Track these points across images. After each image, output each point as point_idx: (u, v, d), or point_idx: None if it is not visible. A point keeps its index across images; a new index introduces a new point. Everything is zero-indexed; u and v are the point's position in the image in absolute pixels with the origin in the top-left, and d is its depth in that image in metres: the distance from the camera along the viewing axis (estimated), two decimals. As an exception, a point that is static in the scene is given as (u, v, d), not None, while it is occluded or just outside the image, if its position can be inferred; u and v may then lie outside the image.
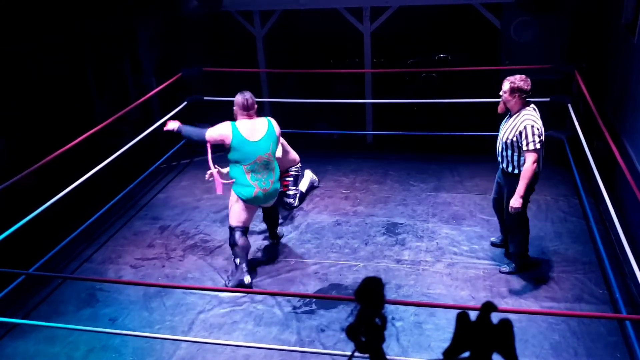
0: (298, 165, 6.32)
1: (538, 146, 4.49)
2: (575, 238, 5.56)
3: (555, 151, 6.81)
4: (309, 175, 6.73)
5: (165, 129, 5.29)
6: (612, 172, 5.95)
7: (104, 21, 7.44)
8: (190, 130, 5.17)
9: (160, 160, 7.25)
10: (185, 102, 7.46)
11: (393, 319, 4.55)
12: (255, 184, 4.95)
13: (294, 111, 8.37)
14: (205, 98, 7.61)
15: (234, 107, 5.02)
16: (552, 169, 6.80)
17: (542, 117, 4.67)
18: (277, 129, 5.09)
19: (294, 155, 6.25)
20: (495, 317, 1.40)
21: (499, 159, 4.79)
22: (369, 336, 1.41)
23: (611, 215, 4.84)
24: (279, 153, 5.23)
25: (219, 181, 5.16)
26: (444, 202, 6.32)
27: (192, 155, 7.80)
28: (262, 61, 8.34)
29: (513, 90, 4.54)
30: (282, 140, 5.34)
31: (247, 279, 5.04)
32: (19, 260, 5.27)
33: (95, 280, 5.22)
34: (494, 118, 7.72)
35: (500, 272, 5.10)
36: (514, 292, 4.84)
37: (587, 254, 5.30)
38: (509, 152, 4.65)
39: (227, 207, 6.43)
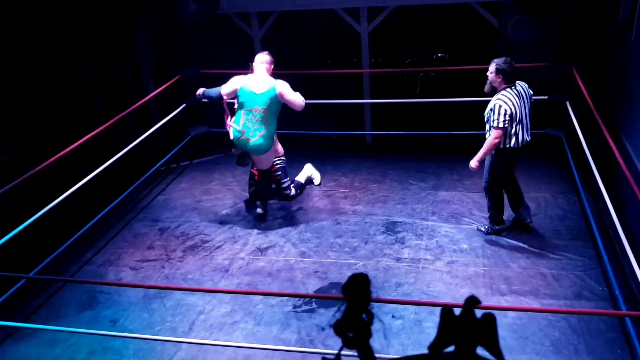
0: (282, 158, 6.34)
1: (501, 124, 5.00)
2: (574, 235, 5.57)
3: (554, 149, 6.83)
4: (309, 168, 6.87)
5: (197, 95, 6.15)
6: (610, 169, 5.95)
7: (102, 21, 7.45)
8: (210, 92, 6.02)
9: (160, 163, 7.25)
10: (184, 104, 7.47)
11: (393, 317, 4.56)
12: (244, 131, 5.64)
13: (292, 112, 8.37)
14: (203, 100, 7.61)
15: (255, 62, 5.78)
16: (551, 166, 6.83)
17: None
18: (280, 89, 5.62)
19: (278, 146, 6.32)
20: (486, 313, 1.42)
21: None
22: (356, 332, 1.43)
23: (610, 212, 4.85)
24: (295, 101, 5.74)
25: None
26: (443, 200, 6.33)
27: (192, 157, 7.82)
28: (260, 62, 8.33)
29: (498, 72, 5.07)
30: (289, 96, 5.69)
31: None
32: (19, 264, 5.27)
33: (95, 283, 5.22)
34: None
35: (477, 229, 5.70)
36: (513, 290, 4.85)
37: (587, 251, 5.31)
38: (487, 126, 5.18)
39: (225, 208, 6.50)
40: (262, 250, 5.66)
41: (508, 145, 5.16)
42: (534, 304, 4.67)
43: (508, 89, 5.07)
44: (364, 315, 1.44)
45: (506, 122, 4.99)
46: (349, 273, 5.15)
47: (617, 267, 4.98)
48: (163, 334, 4.57)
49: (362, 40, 8.05)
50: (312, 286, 5.08)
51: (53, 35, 6.78)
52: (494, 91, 5.20)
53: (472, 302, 1.36)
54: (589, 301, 4.68)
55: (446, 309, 1.37)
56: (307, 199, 6.55)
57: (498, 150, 5.23)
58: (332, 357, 1.47)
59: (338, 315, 1.44)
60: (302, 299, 4.87)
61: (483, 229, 5.68)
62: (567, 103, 6.60)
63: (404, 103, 8.56)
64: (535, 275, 5.02)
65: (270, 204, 6.50)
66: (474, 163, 5.27)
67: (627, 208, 5.46)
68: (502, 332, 1.41)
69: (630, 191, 4.54)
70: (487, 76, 5.18)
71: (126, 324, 4.77)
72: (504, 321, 4.42)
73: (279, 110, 5.77)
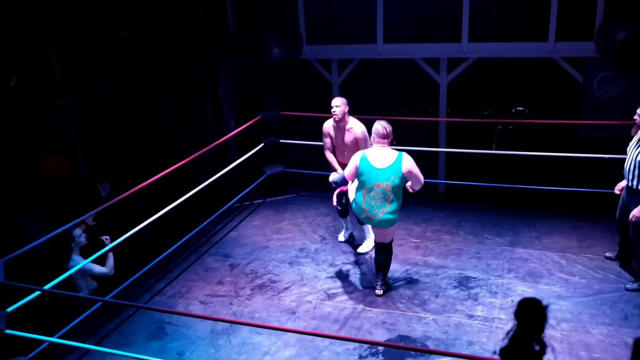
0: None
1: None
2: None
3: None
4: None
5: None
6: None
7: (188, 61, 7.80)
8: (338, 179, 5.63)
9: (235, 199, 7.40)
10: (262, 144, 7.65)
11: (464, 376, 4.37)
12: (367, 209, 5.22)
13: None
14: (281, 141, 7.79)
15: (372, 135, 5.31)
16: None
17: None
18: (406, 166, 5.16)
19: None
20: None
21: (629, 177, 5.27)
22: None
23: None
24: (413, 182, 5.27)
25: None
26: (520, 257, 6.10)
27: (265, 196, 7.94)
28: (338, 107, 8.45)
29: None
30: (415, 172, 5.22)
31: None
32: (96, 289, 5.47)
33: (167, 312, 5.28)
34: (573, 173, 7.52)
35: (626, 289, 5.38)
36: (594, 358, 4.56)
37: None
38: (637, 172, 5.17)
39: (295, 249, 6.51)
40: (330, 296, 5.60)
41: None
42: (617, 376, 4.36)
43: None
44: (535, 345, 1.31)
45: None
46: (418, 326, 5.04)
47: None
48: (228, 372, 4.57)
49: (441, 90, 8.05)
50: (379, 336, 4.96)
51: (138, 71, 7.12)
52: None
53: None
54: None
55: (638, 340, 1.25)
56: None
57: None
58: None
59: (505, 341, 1.33)
60: (369, 350, 4.75)
61: (634, 286, 5.38)
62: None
63: (480, 154, 8.41)
64: (618, 344, 4.70)
65: (340, 249, 6.48)
66: (638, 212, 5.14)
67: None
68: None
69: None
70: (634, 119, 5.31)
71: (192, 358, 4.79)
72: (584, 392, 4.15)
73: (402, 185, 5.26)
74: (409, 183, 5.30)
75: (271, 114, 7.74)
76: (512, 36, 7.64)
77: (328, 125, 6.16)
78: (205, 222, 6.87)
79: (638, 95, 7.38)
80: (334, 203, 5.96)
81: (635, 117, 5.27)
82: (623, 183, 5.54)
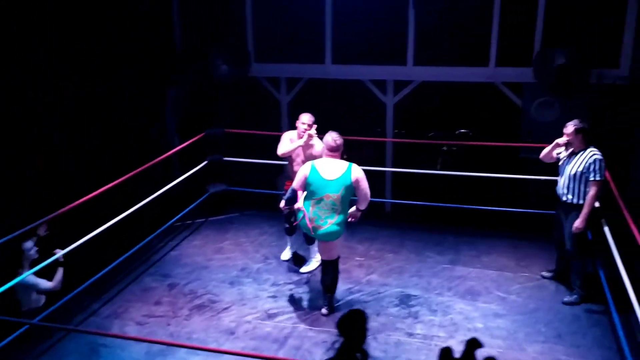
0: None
1: (602, 177, 5.30)
2: (594, 322, 5.34)
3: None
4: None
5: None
6: (634, 257, 5.77)
7: (135, 76, 7.65)
8: (287, 196, 5.28)
9: (176, 218, 7.26)
10: (206, 162, 7.55)
11: (401, 395, 4.36)
12: (313, 219, 5.16)
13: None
14: (224, 158, 7.72)
15: (322, 146, 5.34)
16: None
17: None
18: (356, 175, 5.15)
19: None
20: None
21: (564, 192, 5.52)
22: None
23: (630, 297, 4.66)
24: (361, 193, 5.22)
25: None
26: (460, 276, 6.18)
27: (208, 215, 7.82)
28: (286, 126, 8.46)
29: (577, 132, 5.39)
30: (363, 183, 5.19)
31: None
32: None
33: (100, 334, 5.09)
34: (514, 194, 7.70)
35: (564, 303, 5.57)
36: (529, 376, 4.63)
37: (606, 341, 5.07)
38: (576, 184, 5.40)
39: (236, 269, 6.41)
40: (270, 315, 5.52)
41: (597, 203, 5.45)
42: (550, 392, 4.43)
43: (592, 147, 5.39)
44: (358, 354, 1.35)
45: (604, 175, 5.32)
46: (357, 345, 4.94)
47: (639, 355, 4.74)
48: (161, 394, 4.42)
49: (387, 111, 8.16)
50: (318, 356, 4.89)
51: (80, 82, 6.90)
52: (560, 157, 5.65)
53: (474, 344, 1.29)
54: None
55: (445, 350, 1.31)
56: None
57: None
58: None
59: (331, 353, 1.35)
60: (308, 369, 4.70)
61: (572, 299, 5.60)
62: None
63: (426, 174, 8.53)
64: (552, 362, 4.79)
65: (283, 268, 6.42)
66: (581, 224, 5.36)
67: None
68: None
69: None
70: (558, 142, 5.54)
71: (125, 381, 4.63)
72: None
73: (351, 196, 5.24)
74: (353, 209, 5.29)
75: (216, 131, 7.67)
76: (456, 61, 7.84)
77: (290, 135, 6.21)
78: (145, 241, 6.69)
79: (574, 118, 7.65)
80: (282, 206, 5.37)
81: (565, 137, 5.51)
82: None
